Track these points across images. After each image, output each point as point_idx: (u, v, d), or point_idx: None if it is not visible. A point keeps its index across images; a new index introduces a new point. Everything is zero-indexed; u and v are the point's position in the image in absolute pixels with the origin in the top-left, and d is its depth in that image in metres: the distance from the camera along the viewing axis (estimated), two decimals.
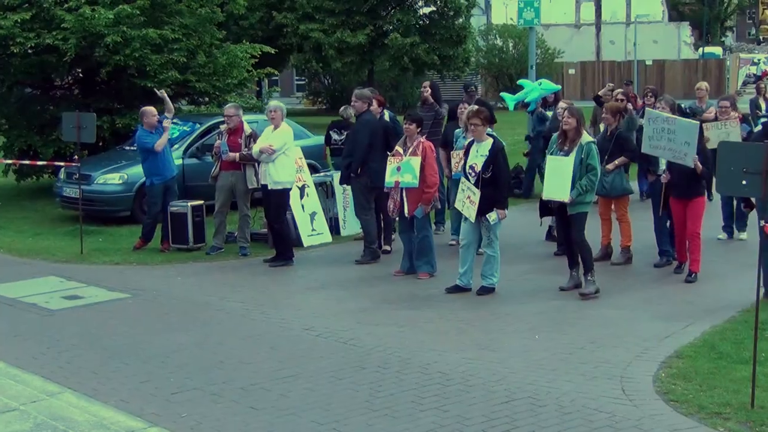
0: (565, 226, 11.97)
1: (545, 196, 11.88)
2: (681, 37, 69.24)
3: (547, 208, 14.36)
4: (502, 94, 20.31)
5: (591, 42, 67.32)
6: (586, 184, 11.51)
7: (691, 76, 54.82)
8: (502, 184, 11.74)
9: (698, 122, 12.54)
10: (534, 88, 18.30)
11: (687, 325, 10.31)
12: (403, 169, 12.61)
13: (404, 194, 12.65)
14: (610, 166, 13.11)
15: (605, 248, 13.58)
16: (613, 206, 13.50)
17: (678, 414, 7.71)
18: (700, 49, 73.49)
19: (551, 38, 56.19)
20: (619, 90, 18.75)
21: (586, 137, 11.75)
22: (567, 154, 11.63)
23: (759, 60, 67.39)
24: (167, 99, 15.02)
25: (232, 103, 15.82)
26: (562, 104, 14.29)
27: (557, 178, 11.62)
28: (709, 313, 10.78)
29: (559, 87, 19.40)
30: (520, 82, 19.11)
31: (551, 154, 11.92)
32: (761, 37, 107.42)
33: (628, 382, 8.51)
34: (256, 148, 13.72)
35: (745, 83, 59.12)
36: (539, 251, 14.27)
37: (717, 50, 78.45)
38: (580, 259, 11.83)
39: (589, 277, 11.65)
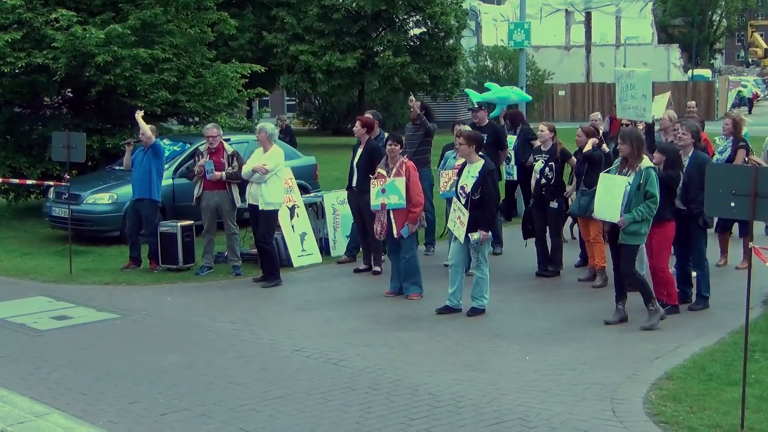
0: (616, 252, 11.33)
1: (595, 214, 11.42)
2: (670, 59, 69.56)
3: (528, 230, 14.43)
4: (467, 90, 19.90)
5: (581, 64, 67.57)
6: (644, 211, 10.80)
7: (681, 98, 54.97)
8: (488, 205, 11.71)
9: (650, 71, 12.43)
10: (505, 90, 18.09)
11: (677, 346, 10.32)
12: (388, 190, 12.62)
13: (391, 215, 12.66)
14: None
15: (593, 269, 13.58)
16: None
17: None
18: (690, 72, 73.83)
19: (541, 60, 56.41)
20: (596, 113, 18.92)
21: (647, 162, 11.05)
22: (625, 175, 11.04)
23: (746, 84, 67.69)
24: (140, 121, 14.90)
25: (213, 123, 15.80)
26: (543, 126, 14.25)
27: (608, 197, 10.99)
28: (699, 335, 10.79)
29: (530, 98, 19.21)
30: (487, 84, 18.86)
31: (608, 173, 11.33)
32: (750, 60, 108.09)
33: (618, 403, 8.50)
34: (247, 168, 13.72)
35: (734, 105, 59.38)
36: (528, 272, 14.25)
37: (706, 72, 78.85)
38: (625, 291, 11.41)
39: (650, 307, 11.13)
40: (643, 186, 10.85)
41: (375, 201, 12.78)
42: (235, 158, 14.31)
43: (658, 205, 10.92)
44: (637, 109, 12.97)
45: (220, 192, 14.38)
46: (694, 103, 18.62)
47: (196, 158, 14.73)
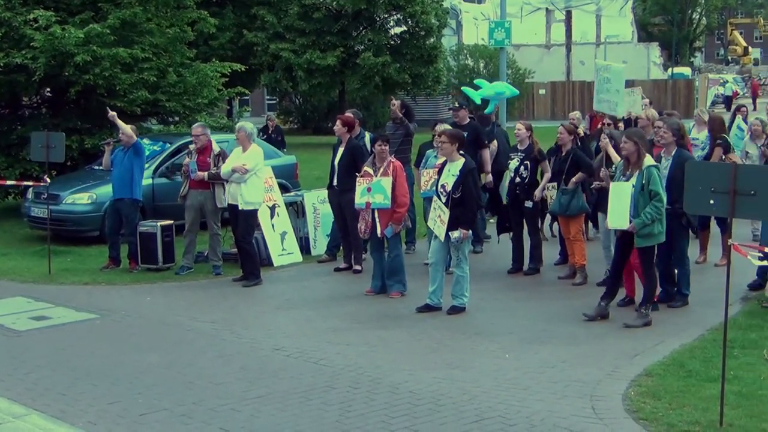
0: (620, 253, 11.33)
1: (610, 225, 11.36)
2: (650, 57, 69.85)
3: (505, 227, 14.48)
4: (464, 88, 19.67)
5: (561, 62, 67.75)
6: (652, 213, 10.74)
7: (661, 97, 55.28)
8: (469, 204, 11.72)
9: (624, 67, 12.48)
10: (496, 85, 18.03)
11: (656, 343, 10.35)
12: (374, 189, 12.60)
13: (376, 214, 12.65)
14: (571, 183, 13.17)
15: (573, 267, 13.60)
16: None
17: None
18: (670, 70, 74.13)
19: (522, 58, 56.53)
20: (576, 112, 18.95)
21: (649, 161, 11.03)
22: (629, 179, 11.04)
23: (726, 81, 68.05)
24: (117, 122, 14.86)
25: (200, 123, 15.79)
26: (519, 125, 14.25)
27: (619, 205, 10.93)
28: (678, 332, 10.82)
29: (518, 92, 19.25)
30: (477, 81, 18.79)
31: (615, 180, 11.31)
32: (729, 58, 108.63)
33: (598, 400, 8.52)
34: (226, 168, 13.69)
35: (713, 103, 59.66)
36: (508, 270, 14.26)
37: (686, 70, 79.25)
38: (610, 289, 11.49)
39: (643, 310, 11.16)
40: (647, 186, 10.82)
41: (360, 199, 12.75)
42: (220, 158, 14.25)
43: (664, 203, 10.89)
44: (610, 103, 13.05)
45: (204, 192, 14.34)
46: (648, 100, 18.74)
47: (188, 156, 14.73)
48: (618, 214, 10.97)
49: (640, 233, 10.88)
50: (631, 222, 10.86)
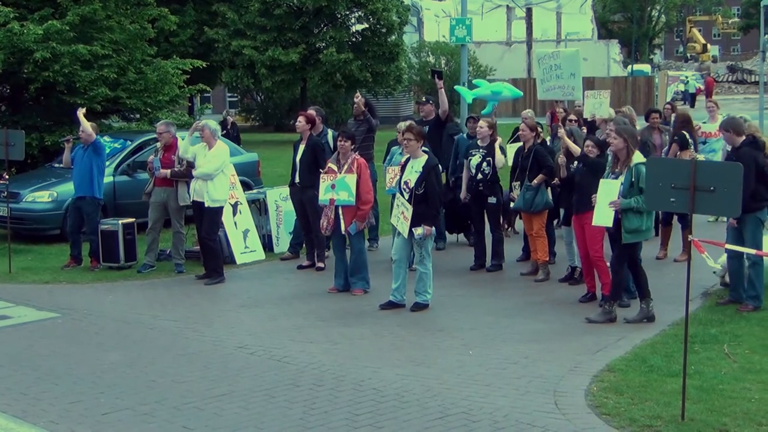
0: (616, 251, 11.24)
1: (594, 222, 11.10)
2: (610, 54, 70.25)
3: (457, 224, 14.51)
4: (457, 87, 19.42)
5: (522, 59, 67.94)
6: (641, 201, 10.60)
7: (621, 93, 55.55)
8: (433, 201, 11.75)
9: (578, 49, 12.48)
10: (496, 85, 18.00)
11: (618, 339, 10.41)
12: (338, 186, 12.57)
13: (340, 211, 12.62)
14: (534, 182, 13.22)
15: (536, 263, 13.65)
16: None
17: (610, 427, 7.78)
18: (629, 67, 74.63)
19: (483, 56, 56.65)
20: (528, 111, 19.00)
21: (638, 158, 10.93)
22: (617, 176, 10.96)
23: (687, 78, 68.57)
24: (81, 119, 14.75)
25: (164, 120, 15.72)
26: (482, 122, 14.27)
27: (606, 203, 10.86)
28: (640, 327, 10.89)
29: (521, 93, 19.22)
30: (475, 81, 18.72)
31: (604, 177, 11.16)
32: (688, 55, 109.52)
33: (560, 396, 8.57)
34: (184, 150, 13.71)
35: (673, 100, 60.11)
36: (471, 267, 14.30)
37: (646, 67, 79.78)
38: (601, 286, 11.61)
39: (607, 306, 11.18)
40: (636, 183, 10.76)
41: (324, 196, 12.70)
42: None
43: None
44: (564, 89, 12.98)
45: (168, 189, 14.28)
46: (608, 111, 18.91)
47: (155, 153, 14.67)
48: (604, 212, 10.90)
49: (628, 229, 10.83)
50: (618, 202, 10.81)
